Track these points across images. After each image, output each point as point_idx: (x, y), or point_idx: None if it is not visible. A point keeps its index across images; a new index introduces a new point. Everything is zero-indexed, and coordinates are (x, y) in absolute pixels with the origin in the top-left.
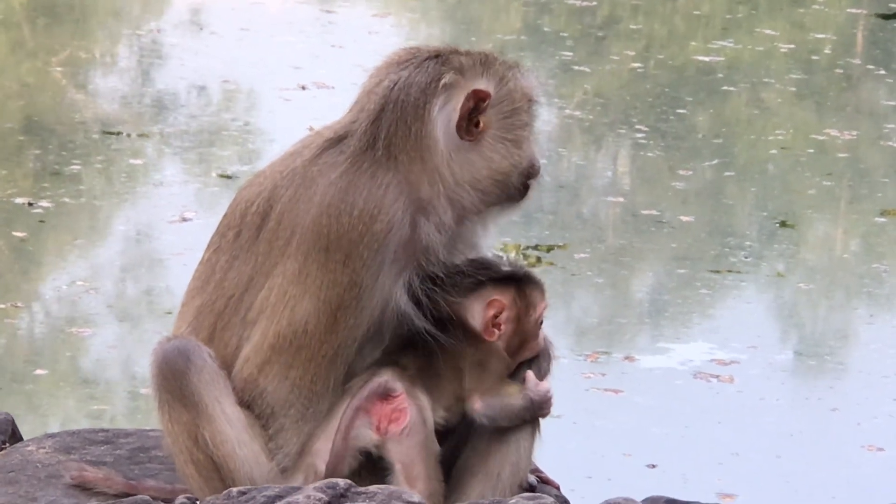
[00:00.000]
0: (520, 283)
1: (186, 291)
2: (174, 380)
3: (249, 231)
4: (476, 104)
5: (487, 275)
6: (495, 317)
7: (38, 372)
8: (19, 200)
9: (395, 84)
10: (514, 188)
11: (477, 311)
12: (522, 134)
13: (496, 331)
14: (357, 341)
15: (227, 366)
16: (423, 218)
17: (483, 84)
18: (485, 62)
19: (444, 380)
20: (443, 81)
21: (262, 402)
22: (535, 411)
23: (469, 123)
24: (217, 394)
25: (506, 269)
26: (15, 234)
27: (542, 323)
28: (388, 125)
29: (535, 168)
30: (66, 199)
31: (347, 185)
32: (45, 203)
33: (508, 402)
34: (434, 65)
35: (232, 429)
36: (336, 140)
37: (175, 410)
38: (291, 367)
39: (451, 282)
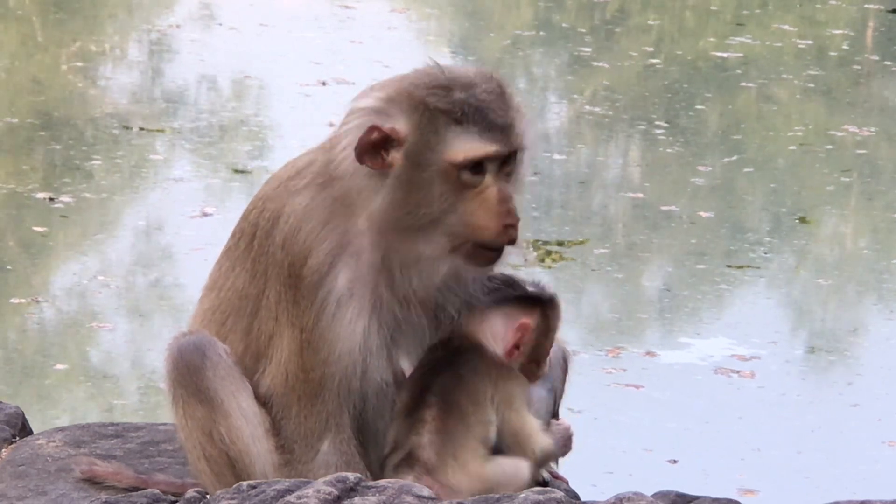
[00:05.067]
0: (544, 304)
1: (202, 288)
2: (189, 375)
3: (244, 242)
4: (381, 139)
5: (510, 294)
6: (520, 340)
7: (58, 367)
8: (40, 195)
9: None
10: (439, 241)
11: (499, 333)
12: (422, 186)
13: (516, 353)
14: (338, 379)
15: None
16: (362, 249)
17: (399, 123)
18: (416, 105)
19: (470, 414)
20: (361, 104)
21: (276, 432)
22: (562, 452)
23: (374, 154)
24: (233, 389)
25: (529, 288)
26: (35, 229)
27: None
28: (332, 147)
29: (451, 228)
30: (87, 195)
31: (302, 211)
32: (65, 198)
33: (546, 450)
34: (378, 86)
35: (248, 424)
36: (317, 150)
37: (190, 406)
38: (289, 406)
39: (469, 302)
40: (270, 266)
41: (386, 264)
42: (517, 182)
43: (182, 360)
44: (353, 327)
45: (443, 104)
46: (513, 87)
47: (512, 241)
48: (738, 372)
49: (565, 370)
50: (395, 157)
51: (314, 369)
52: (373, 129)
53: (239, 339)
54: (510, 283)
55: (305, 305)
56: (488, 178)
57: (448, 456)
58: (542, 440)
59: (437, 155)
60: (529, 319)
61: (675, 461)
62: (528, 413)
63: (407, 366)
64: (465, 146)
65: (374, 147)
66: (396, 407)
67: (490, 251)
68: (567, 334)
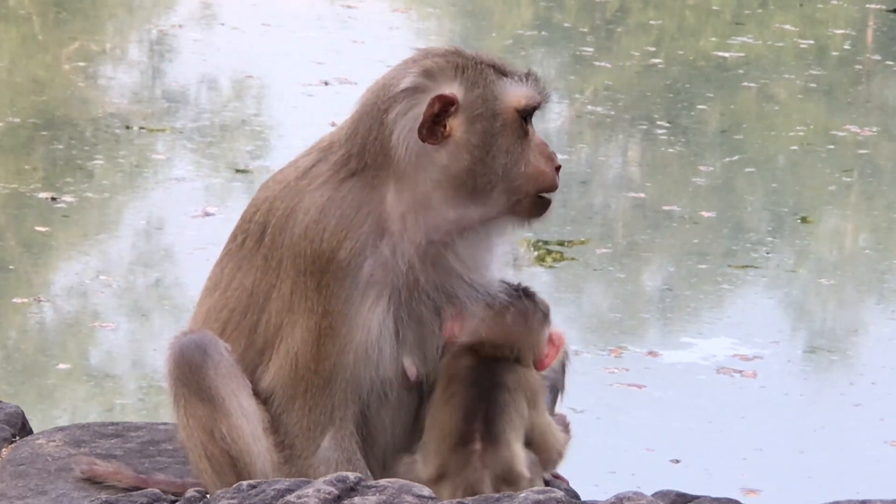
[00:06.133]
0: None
1: (202, 290)
2: (191, 374)
3: (251, 241)
4: (442, 109)
5: (544, 308)
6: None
7: (60, 366)
8: (42, 195)
9: (370, 89)
10: (500, 199)
11: (545, 346)
12: (493, 141)
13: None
14: (350, 368)
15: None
16: (395, 235)
17: (453, 88)
18: (460, 66)
19: (513, 442)
20: (403, 86)
21: (276, 430)
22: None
23: (434, 127)
24: (234, 387)
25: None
26: (37, 228)
27: None
28: (359, 133)
29: (516, 181)
30: (89, 194)
31: (324, 203)
32: (67, 198)
33: (565, 447)
34: (404, 68)
35: (248, 423)
36: (325, 149)
37: (191, 405)
38: (294, 398)
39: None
40: (286, 258)
41: (418, 249)
42: None
43: (183, 358)
44: (371, 315)
45: (481, 59)
46: None
47: (557, 185)
48: (740, 372)
49: (563, 365)
50: (454, 124)
51: (327, 358)
52: (435, 99)
53: (244, 336)
54: (528, 293)
55: (332, 291)
56: (530, 128)
57: (500, 480)
58: (562, 438)
59: (499, 104)
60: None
61: (677, 461)
62: (547, 412)
63: (409, 363)
64: (524, 93)
65: (433, 121)
66: (437, 428)
67: (546, 200)
68: (569, 334)
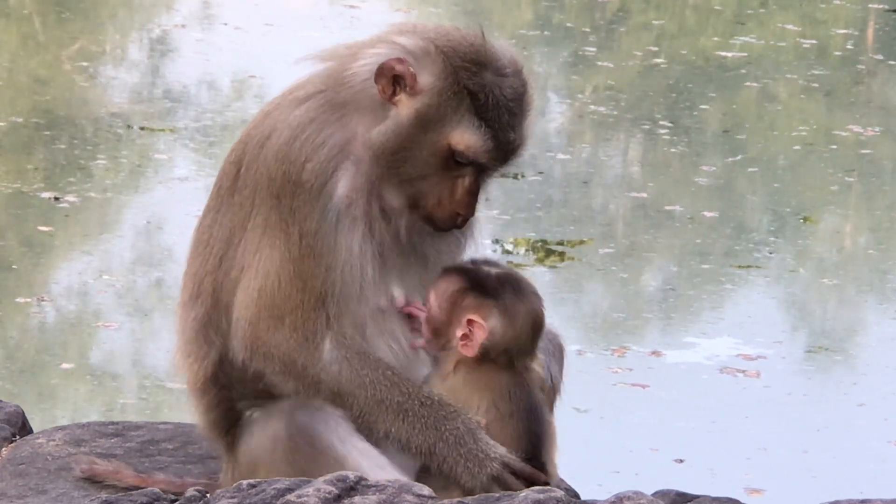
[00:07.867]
0: None
1: (187, 257)
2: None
3: (227, 182)
4: (403, 75)
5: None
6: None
7: (64, 366)
8: (45, 195)
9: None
10: (418, 195)
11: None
12: (413, 145)
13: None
14: (339, 285)
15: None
16: (364, 162)
17: (423, 76)
18: (444, 71)
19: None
20: (401, 42)
21: (270, 358)
22: None
23: (388, 84)
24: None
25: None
26: (40, 228)
27: None
28: (342, 55)
29: (420, 195)
30: (91, 194)
31: (295, 127)
32: (70, 197)
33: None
34: (422, 33)
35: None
36: (305, 80)
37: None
38: (282, 315)
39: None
40: (260, 184)
41: (381, 179)
42: (489, 180)
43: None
44: (351, 236)
45: (472, 85)
46: (534, 82)
47: (457, 227)
48: (743, 371)
49: (561, 360)
50: (402, 99)
51: (314, 276)
52: (403, 60)
53: (230, 285)
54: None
55: (306, 213)
56: (468, 170)
57: None
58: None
59: (443, 127)
60: None
61: (681, 461)
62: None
63: (398, 293)
64: (472, 140)
65: (392, 76)
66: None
67: (448, 223)
68: (572, 334)
